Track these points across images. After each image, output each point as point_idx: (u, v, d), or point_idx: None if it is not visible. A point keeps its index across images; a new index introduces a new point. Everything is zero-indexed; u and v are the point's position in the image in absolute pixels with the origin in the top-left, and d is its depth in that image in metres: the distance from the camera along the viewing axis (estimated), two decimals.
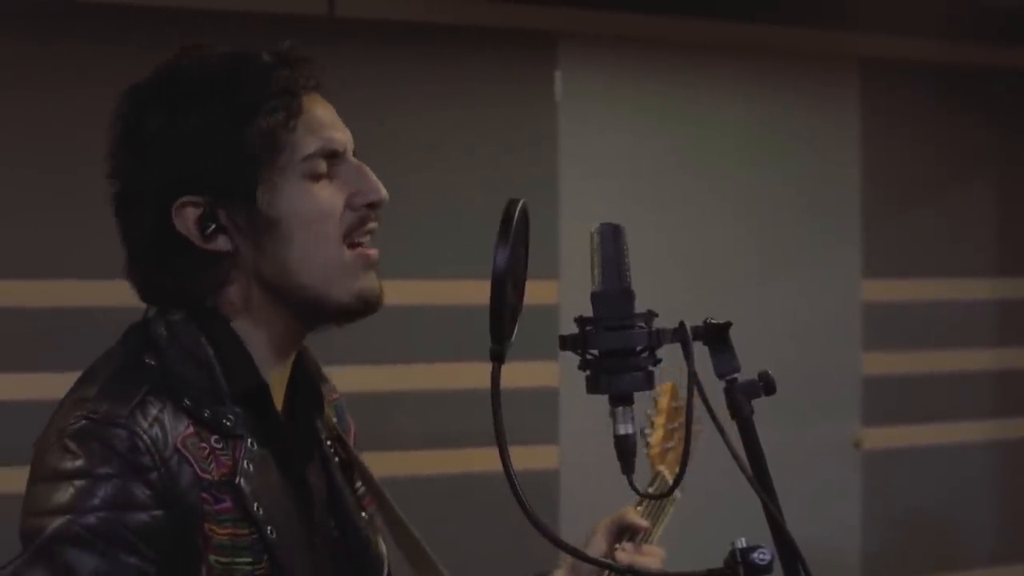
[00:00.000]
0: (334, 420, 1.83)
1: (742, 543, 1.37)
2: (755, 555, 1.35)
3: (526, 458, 4.43)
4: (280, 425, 1.66)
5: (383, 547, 1.82)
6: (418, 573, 1.87)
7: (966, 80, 5.56)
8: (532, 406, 4.63)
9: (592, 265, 1.35)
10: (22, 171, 4.15)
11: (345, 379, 4.40)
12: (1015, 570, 5.65)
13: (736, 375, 1.40)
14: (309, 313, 1.65)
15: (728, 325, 1.40)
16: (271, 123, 1.60)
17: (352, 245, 1.64)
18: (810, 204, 5.30)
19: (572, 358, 1.36)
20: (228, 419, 1.58)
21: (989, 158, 5.68)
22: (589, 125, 4.90)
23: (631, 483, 1.35)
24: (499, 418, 1.29)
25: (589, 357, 1.34)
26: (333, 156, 1.64)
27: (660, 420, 2.23)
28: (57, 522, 1.46)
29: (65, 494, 1.47)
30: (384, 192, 1.65)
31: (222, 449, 1.56)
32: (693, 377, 1.32)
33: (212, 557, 1.53)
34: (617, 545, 1.99)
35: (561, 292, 4.68)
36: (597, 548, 1.99)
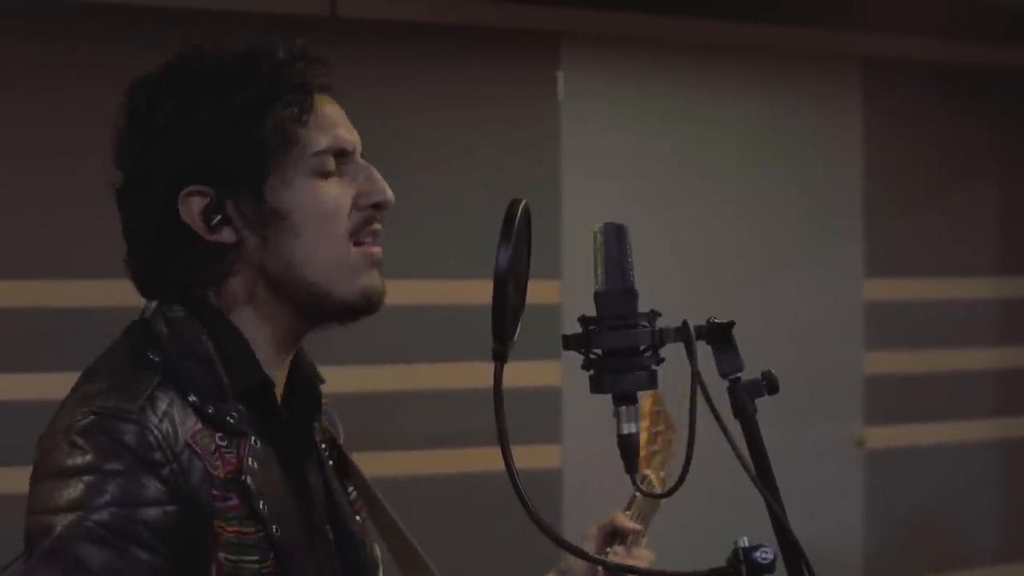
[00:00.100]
0: (326, 423, 1.83)
1: (745, 542, 1.37)
2: (758, 554, 1.35)
3: (529, 457, 4.42)
4: (283, 423, 1.66)
5: (378, 551, 1.82)
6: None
7: (968, 80, 5.55)
8: (534, 406, 4.62)
9: (595, 265, 1.35)
10: (22, 171, 4.15)
11: (346, 379, 4.40)
12: (1018, 569, 5.65)
13: (739, 374, 1.39)
14: (311, 309, 1.65)
15: (731, 324, 1.40)
16: (285, 117, 1.60)
17: (357, 244, 1.64)
18: (812, 204, 5.30)
19: (575, 357, 1.35)
20: (232, 416, 1.57)
21: (991, 157, 5.67)
22: (591, 125, 4.89)
23: (635, 483, 1.35)
24: (501, 417, 1.29)
25: (593, 356, 1.34)
26: (342, 155, 1.64)
27: (643, 424, 2.25)
28: (67, 519, 1.44)
29: (74, 490, 1.45)
30: (391, 194, 1.66)
31: (226, 446, 1.55)
32: (696, 376, 1.32)
33: (222, 555, 1.52)
34: (608, 549, 2.00)
35: (563, 292, 4.68)
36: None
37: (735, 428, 1.36)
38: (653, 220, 4.88)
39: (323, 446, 1.77)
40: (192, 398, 1.55)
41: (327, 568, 1.69)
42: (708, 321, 1.40)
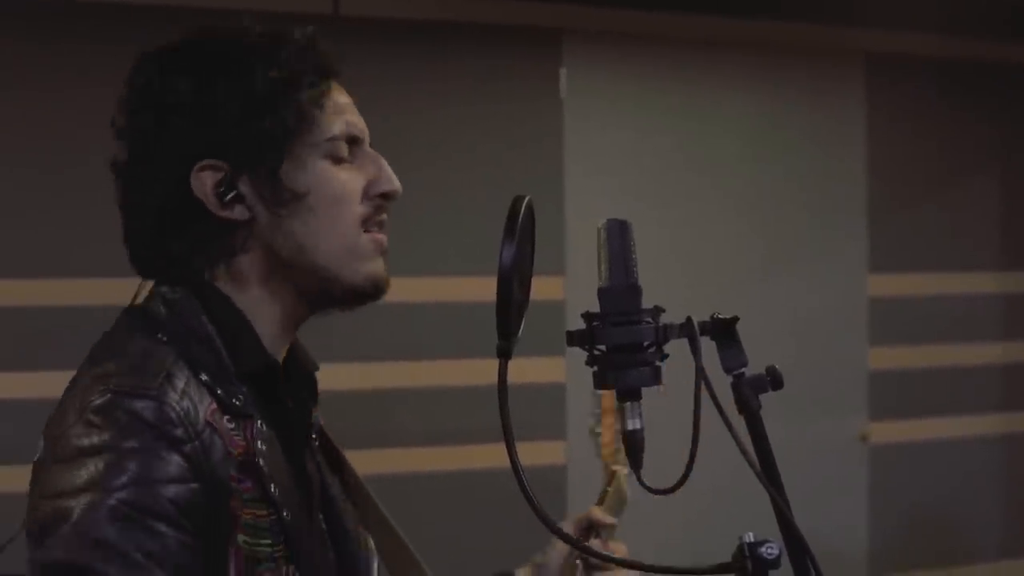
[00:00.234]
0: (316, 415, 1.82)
1: (750, 538, 1.36)
2: (763, 549, 1.34)
3: (533, 454, 4.43)
4: (286, 408, 1.64)
5: (371, 543, 1.80)
6: (400, 573, 1.86)
7: (971, 75, 5.55)
8: (539, 402, 4.63)
9: (599, 261, 1.34)
10: (22, 171, 4.15)
11: (348, 376, 4.40)
12: (1021, 564, 5.65)
13: (743, 370, 1.39)
14: (317, 293, 1.64)
15: (735, 320, 1.40)
16: (307, 99, 1.60)
17: (366, 231, 1.64)
18: (815, 199, 5.30)
19: (579, 354, 1.35)
20: (238, 398, 1.54)
21: (994, 153, 5.67)
22: (594, 122, 4.90)
23: (639, 478, 1.34)
24: (506, 414, 1.28)
25: (597, 353, 1.33)
26: (354, 142, 1.64)
27: (608, 420, 2.28)
28: (86, 499, 1.39)
29: (93, 470, 1.40)
30: (398, 184, 1.66)
31: (234, 429, 1.52)
32: (701, 372, 1.31)
33: (241, 537, 1.48)
34: (585, 543, 2.01)
35: (567, 288, 4.68)
36: (561, 549, 2.01)
37: (739, 424, 1.36)
38: (656, 216, 4.88)
39: (314, 436, 1.76)
40: (204, 377, 1.52)
41: (323, 557, 1.68)
42: (712, 317, 1.39)
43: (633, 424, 1.34)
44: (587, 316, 1.34)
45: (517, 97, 4.78)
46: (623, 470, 2.21)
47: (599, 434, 2.29)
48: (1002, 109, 5.63)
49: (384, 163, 1.66)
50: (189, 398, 1.48)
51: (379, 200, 1.64)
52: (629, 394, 1.34)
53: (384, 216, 1.66)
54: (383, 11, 4.59)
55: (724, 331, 1.39)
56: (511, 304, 1.30)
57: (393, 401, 4.55)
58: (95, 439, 1.42)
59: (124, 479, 1.40)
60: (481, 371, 4.38)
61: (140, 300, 1.62)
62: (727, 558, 1.36)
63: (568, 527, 2.03)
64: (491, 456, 4.16)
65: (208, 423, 1.48)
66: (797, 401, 4.79)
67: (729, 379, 1.39)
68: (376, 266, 1.64)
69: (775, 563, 1.34)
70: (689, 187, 5.07)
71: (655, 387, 1.34)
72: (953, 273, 5.56)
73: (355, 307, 1.66)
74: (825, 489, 5.03)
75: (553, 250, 4.64)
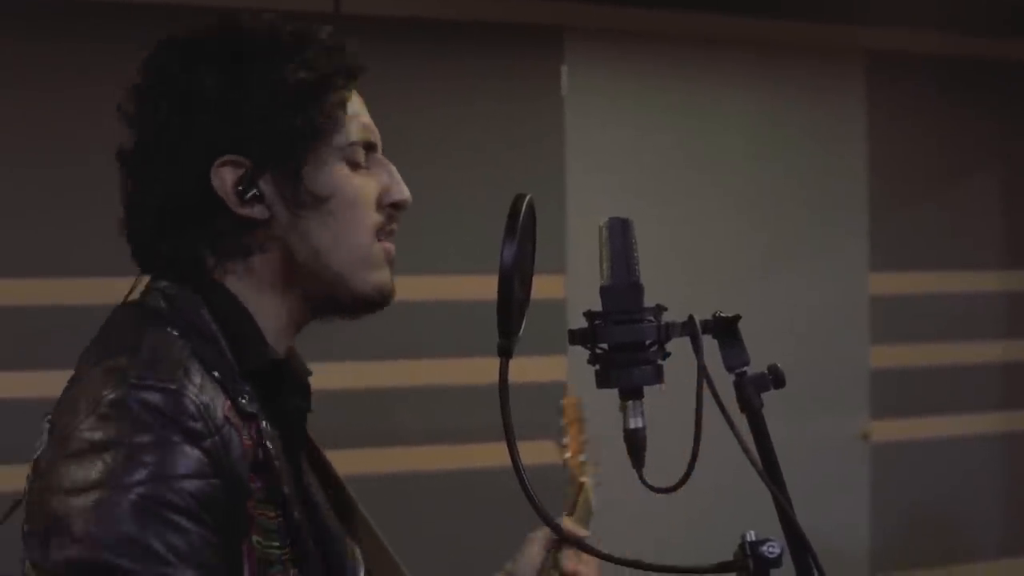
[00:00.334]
0: None
1: (752, 536, 1.36)
2: (765, 548, 1.34)
3: (534, 453, 4.41)
4: (287, 409, 1.61)
5: (358, 553, 1.78)
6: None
7: (971, 73, 5.55)
8: (540, 401, 4.62)
9: (601, 259, 1.34)
10: (22, 171, 4.15)
11: (348, 375, 4.40)
12: (1022, 562, 5.65)
13: (746, 368, 1.39)
14: (323, 298, 1.61)
15: (737, 318, 1.39)
16: (334, 100, 1.57)
17: (379, 240, 1.62)
18: (816, 198, 5.30)
19: (580, 352, 1.34)
20: (243, 397, 1.50)
21: (995, 150, 5.67)
22: (595, 119, 4.90)
23: (641, 478, 1.34)
24: (508, 413, 1.27)
25: (599, 351, 1.33)
26: (370, 148, 1.62)
27: (573, 431, 2.29)
28: (102, 495, 1.33)
29: (109, 465, 1.34)
30: (409, 194, 1.63)
31: (243, 427, 1.48)
32: (703, 371, 1.31)
33: (255, 537, 1.45)
34: (559, 554, 2.00)
35: (568, 286, 4.68)
36: (531, 557, 1.99)
37: (741, 422, 1.35)
38: (657, 214, 4.88)
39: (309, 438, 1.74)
40: (216, 374, 1.48)
41: (319, 562, 1.66)
42: (714, 315, 1.39)
43: (635, 423, 1.33)
44: (589, 315, 1.34)
45: (518, 95, 4.78)
46: (589, 482, 2.22)
47: (565, 446, 2.30)
48: (1003, 106, 5.63)
49: (395, 171, 1.64)
50: (207, 393, 1.44)
51: (391, 210, 1.62)
52: (631, 393, 1.33)
53: (395, 226, 1.64)
54: (384, 9, 4.59)
55: (726, 329, 1.39)
56: (512, 303, 1.30)
57: (393, 400, 4.55)
58: (111, 432, 1.36)
59: (143, 473, 1.34)
60: (482, 370, 4.37)
61: (136, 296, 1.58)
62: (729, 556, 1.36)
63: (537, 536, 2.00)
64: (492, 455, 4.15)
65: (227, 419, 1.44)
66: (798, 399, 4.79)
67: (731, 377, 1.39)
68: (384, 276, 1.62)
69: (777, 561, 1.34)
70: (690, 185, 5.07)
71: (656, 385, 1.33)
72: (954, 271, 5.56)
73: (359, 316, 1.63)
74: (826, 487, 5.03)
75: (554, 248, 4.64)
